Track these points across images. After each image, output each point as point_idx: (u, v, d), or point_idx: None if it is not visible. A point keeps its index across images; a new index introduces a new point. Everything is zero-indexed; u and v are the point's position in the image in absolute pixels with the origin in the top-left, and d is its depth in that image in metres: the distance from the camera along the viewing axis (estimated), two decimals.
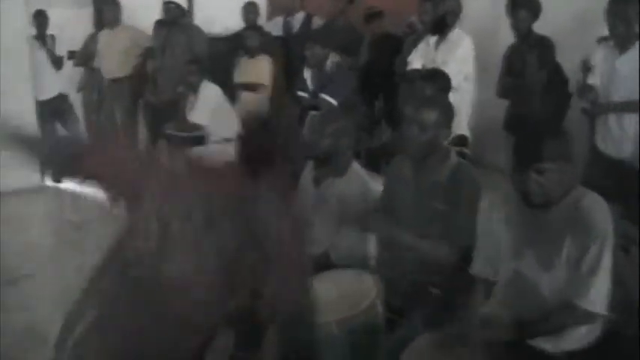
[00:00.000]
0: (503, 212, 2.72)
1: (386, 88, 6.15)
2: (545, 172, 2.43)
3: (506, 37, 5.58)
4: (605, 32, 4.78)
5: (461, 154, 4.36)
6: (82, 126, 7.79)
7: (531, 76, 5.25)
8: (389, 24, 7.24)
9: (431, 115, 3.06)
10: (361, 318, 2.73)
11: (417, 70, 5.32)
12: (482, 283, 2.81)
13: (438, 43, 5.47)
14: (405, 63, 5.67)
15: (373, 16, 7.23)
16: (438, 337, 2.62)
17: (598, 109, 4.67)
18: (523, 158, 2.49)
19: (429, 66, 5.24)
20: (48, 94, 7.44)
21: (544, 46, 5.32)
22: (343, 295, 2.85)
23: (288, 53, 7.39)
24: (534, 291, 2.57)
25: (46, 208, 6.95)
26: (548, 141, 2.45)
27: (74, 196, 7.25)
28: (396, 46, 6.45)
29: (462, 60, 5.29)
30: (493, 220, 2.78)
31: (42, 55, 7.34)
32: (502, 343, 2.50)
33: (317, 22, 7.57)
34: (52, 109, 7.49)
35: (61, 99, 7.57)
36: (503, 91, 5.58)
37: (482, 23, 6.36)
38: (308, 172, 3.73)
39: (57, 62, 7.43)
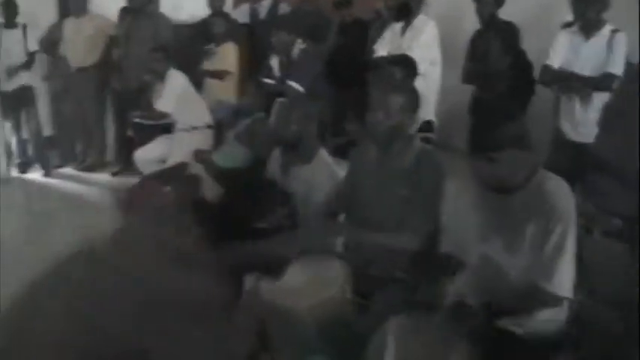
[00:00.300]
0: (470, 197, 2.74)
1: (355, 75, 6.15)
2: (499, 160, 2.45)
3: (473, 22, 5.61)
4: (569, 18, 4.84)
5: (426, 140, 4.38)
6: (41, 119, 7.60)
7: (495, 61, 5.28)
8: (359, 10, 7.22)
9: (397, 100, 3.06)
10: (331, 303, 2.74)
11: (384, 57, 5.33)
12: (449, 264, 2.83)
13: (403, 30, 5.48)
14: (372, 50, 5.69)
15: (343, 3, 7.21)
16: (407, 321, 2.63)
17: (565, 83, 4.73)
18: (479, 144, 2.51)
19: (395, 52, 5.25)
20: (13, 84, 7.22)
21: (509, 31, 5.36)
22: (312, 281, 2.85)
23: (254, 40, 7.36)
24: (501, 275, 2.59)
25: (11, 199, 6.85)
26: (503, 128, 2.46)
27: (40, 187, 7.19)
28: (366, 33, 6.45)
29: (426, 45, 5.30)
30: (459, 204, 2.80)
31: (8, 43, 7.14)
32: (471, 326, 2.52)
33: (284, 8, 7.54)
34: (16, 100, 7.30)
35: (26, 90, 7.35)
36: (468, 77, 5.62)
37: (447, 9, 6.38)
38: (275, 159, 3.72)
39: (29, 60, 7.26)
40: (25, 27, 7.21)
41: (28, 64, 7.22)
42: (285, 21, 6.70)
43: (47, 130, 7.86)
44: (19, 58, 7.16)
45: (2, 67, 7.11)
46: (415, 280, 2.99)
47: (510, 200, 2.57)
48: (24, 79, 7.26)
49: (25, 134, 7.59)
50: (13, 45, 7.17)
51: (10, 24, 7.18)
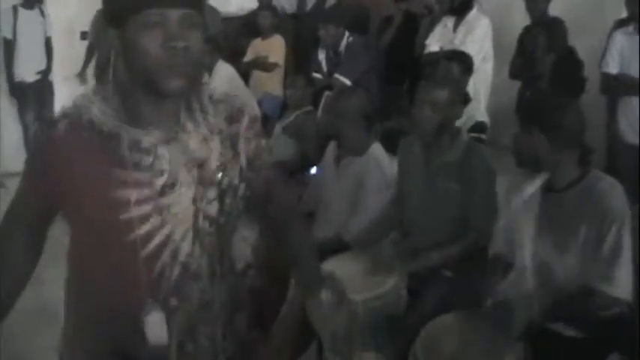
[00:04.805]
0: (521, 195, 2.72)
1: (407, 69, 6.09)
2: (533, 134, 2.48)
3: (523, 18, 5.55)
4: (622, 14, 4.74)
5: (479, 141, 4.33)
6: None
7: (539, 57, 5.20)
8: (413, 5, 7.12)
9: (442, 95, 3.07)
10: (385, 298, 2.73)
11: (437, 52, 5.29)
12: (499, 264, 2.81)
13: (456, 25, 5.44)
14: (423, 45, 5.66)
15: None
16: (453, 319, 2.62)
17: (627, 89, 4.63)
18: (523, 118, 2.57)
19: (447, 48, 5.21)
20: (33, 75, 6.84)
21: (555, 27, 5.28)
22: (367, 273, 2.85)
23: (300, 32, 7.34)
24: (551, 275, 2.56)
25: None
26: (548, 107, 2.51)
27: None
28: (417, 27, 6.38)
29: (479, 41, 5.26)
30: (511, 203, 2.77)
31: (26, 25, 6.71)
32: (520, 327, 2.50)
33: (331, 1, 7.51)
34: (34, 94, 6.87)
35: (45, 83, 6.93)
36: (514, 72, 5.56)
37: (497, 4, 6.31)
38: (331, 151, 3.72)
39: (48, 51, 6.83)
40: (41, 7, 6.80)
41: (49, 58, 6.86)
42: (332, 14, 6.66)
43: None
44: (38, 43, 6.80)
45: (20, 55, 6.75)
46: (464, 279, 2.98)
47: (562, 199, 2.55)
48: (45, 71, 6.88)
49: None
50: (32, 28, 6.73)
51: (29, 3, 6.72)
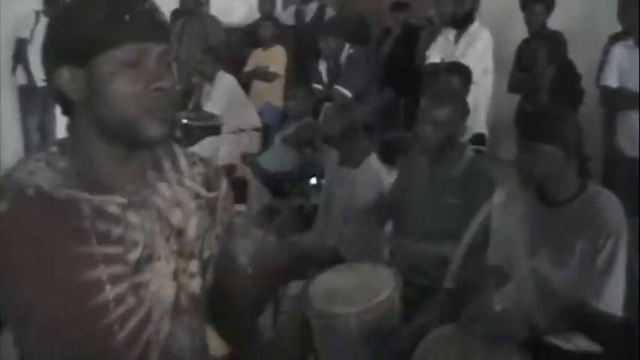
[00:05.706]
0: (519, 208, 2.72)
1: (408, 81, 6.11)
2: (532, 152, 2.45)
3: (522, 31, 5.56)
4: (615, 28, 4.76)
5: (478, 153, 4.36)
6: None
7: (540, 70, 5.21)
8: (412, 16, 7.14)
9: (444, 112, 3.07)
10: (380, 310, 2.73)
11: (437, 64, 5.30)
12: (496, 276, 2.81)
13: (457, 37, 5.43)
14: (423, 57, 5.67)
15: (400, 6, 7.13)
16: (451, 331, 2.62)
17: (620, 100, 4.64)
18: (521, 133, 2.53)
19: (448, 60, 5.22)
20: (40, 81, 6.71)
21: (555, 40, 5.28)
22: (362, 285, 2.84)
23: (300, 43, 7.37)
24: (547, 289, 2.56)
25: None
26: (545, 122, 2.49)
27: None
28: (417, 39, 6.40)
29: (480, 54, 5.26)
30: (508, 215, 2.78)
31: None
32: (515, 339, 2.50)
33: (330, 12, 7.53)
34: (39, 99, 6.96)
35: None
36: (513, 86, 5.56)
37: (497, 17, 6.33)
38: (334, 156, 3.74)
39: None
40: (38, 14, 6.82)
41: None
42: (332, 25, 6.69)
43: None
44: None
45: (31, 59, 6.82)
46: (461, 291, 2.98)
47: (560, 213, 2.54)
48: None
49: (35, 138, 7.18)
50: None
51: (48, 11, 6.76)
